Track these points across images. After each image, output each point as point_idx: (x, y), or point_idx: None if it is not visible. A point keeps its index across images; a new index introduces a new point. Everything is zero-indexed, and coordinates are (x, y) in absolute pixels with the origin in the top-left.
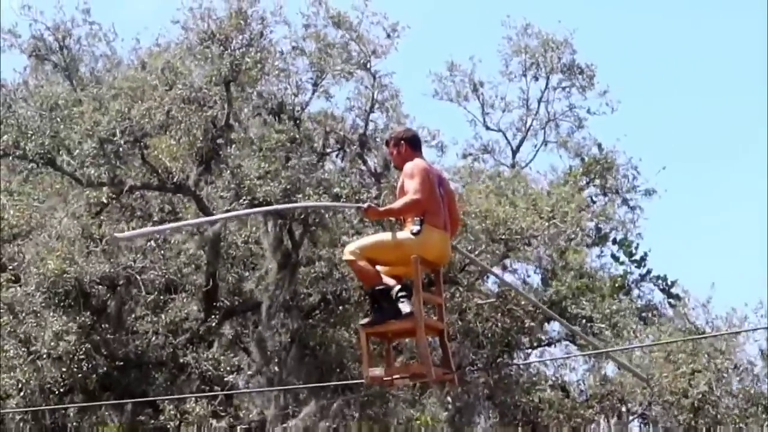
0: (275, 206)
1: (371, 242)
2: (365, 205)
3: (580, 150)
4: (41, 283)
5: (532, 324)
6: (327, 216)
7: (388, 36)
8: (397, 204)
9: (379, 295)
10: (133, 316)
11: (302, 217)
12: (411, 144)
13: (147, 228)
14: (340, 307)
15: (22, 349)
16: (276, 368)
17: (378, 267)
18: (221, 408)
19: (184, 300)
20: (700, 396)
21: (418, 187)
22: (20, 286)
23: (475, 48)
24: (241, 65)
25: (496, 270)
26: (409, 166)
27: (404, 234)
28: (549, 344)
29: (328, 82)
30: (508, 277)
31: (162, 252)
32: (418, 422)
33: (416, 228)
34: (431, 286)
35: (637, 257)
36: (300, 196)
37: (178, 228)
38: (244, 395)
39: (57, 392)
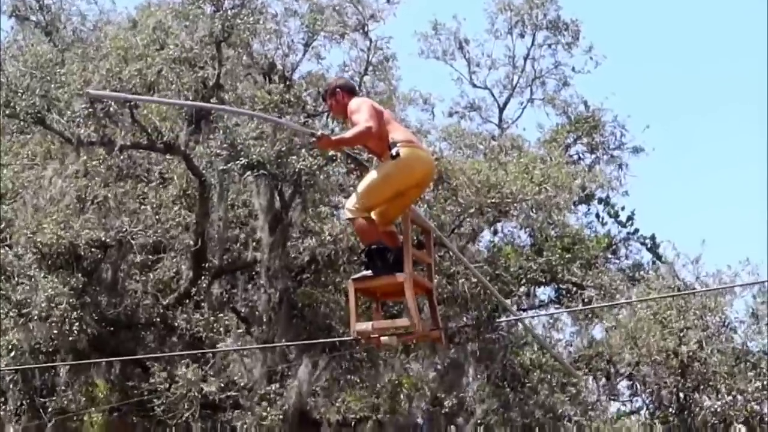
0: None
1: (363, 189)
2: (318, 133)
3: (566, 108)
4: (34, 246)
5: (520, 289)
6: (319, 177)
7: (388, 1)
8: (349, 133)
9: (375, 253)
10: (123, 275)
11: (294, 178)
12: (346, 90)
13: (122, 94)
14: (329, 271)
15: (14, 311)
16: (264, 328)
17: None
18: (211, 373)
19: (174, 260)
20: (690, 354)
21: (367, 116)
22: (10, 247)
23: (460, 7)
24: (233, 26)
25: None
26: (353, 103)
27: (386, 163)
28: (537, 307)
29: (320, 43)
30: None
31: (156, 216)
32: (405, 385)
33: (394, 150)
34: (422, 248)
35: (624, 217)
36: (293, 157)
37: (151, 101)
38: (233, 356)
39: (47, 353)
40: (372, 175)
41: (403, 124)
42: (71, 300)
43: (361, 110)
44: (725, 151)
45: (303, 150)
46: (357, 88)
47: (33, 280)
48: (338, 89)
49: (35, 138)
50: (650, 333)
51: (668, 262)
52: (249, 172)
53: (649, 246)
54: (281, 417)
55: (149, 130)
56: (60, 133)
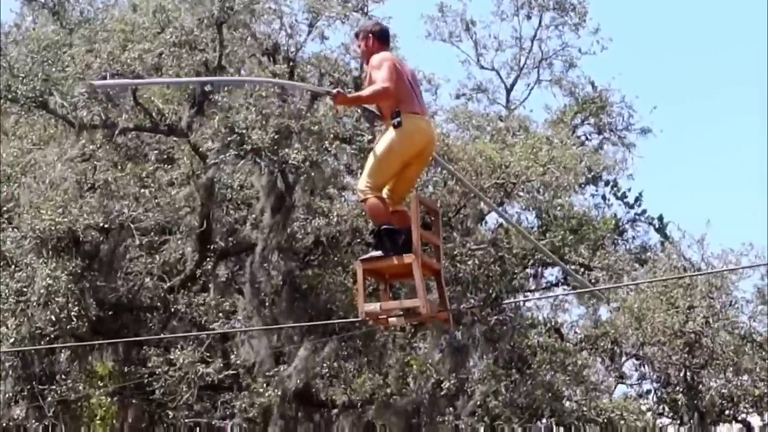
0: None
1: (370, 167)
2: (334, 91)
3: (573, 89)
4: (33, 230)
5: (526, 270)
6: (321, 160)
7: None
8: (366, 91)
9: (385, 234)
10: (127, 257)
11: (296, 161)
12: (378, 37)
13: (125, 80)
14: (334, 252)
15: (12, 297)
16: (267, 311)
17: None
18: (208, 354)
19: (179, 242)
20: (697, 330)
21: (386, 76)
22: (13, 229)
23: None
24: (233, 6)
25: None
26: (376, 58)
27: (388, 134)
28: (544, 289)
29: (323, 23)
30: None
31: (156, 199)
32: (411, 366)
33: (396, 120)
34: (429, 229)
35: (631, 198)
36: (288, 150)
37: (155, 83)
38: (237, 339)
39: (47, 338)
40: (376, 151)
41: (418, 85)
42: (70, 285)
43: (382, 68)
44: (732, 131)
45: (297, 143)
46: (390, 39)
47: (30, 267)
48: (371, 34)
49: (38, 122)
50: (655, 312)
51: (674, 241)
52: (246, 158)
53: (657, 227)
54: (279, 396)
55: (153, 113)
56: (63, 116)
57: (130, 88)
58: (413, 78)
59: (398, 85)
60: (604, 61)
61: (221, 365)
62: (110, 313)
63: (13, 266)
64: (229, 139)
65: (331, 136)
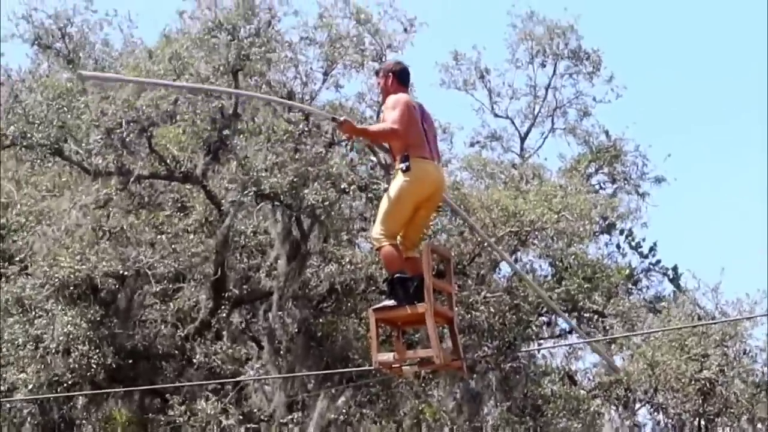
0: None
1: (382, 213)
2: (342, 119)
3: (587, 137)
4: (51, 278)
5: (541, 319)
6: (336, 207)
7: (405, 31)
8: (374, 127)
9: (398, 283)
10: (143, 306)
11: (309, 210)
12: (398, 77)
13: (114, 75)
14: (348, 300)
15: (30, 344)
16: (282, 359)
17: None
18: (230, 404)
19: (193, 289)
20: (711, 378)
21: (397, 118)
22: (28, 275)
23: (480, 39)
24: (249, 54)
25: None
26: (391, 99)
27: (397, 180)
28: (558, 337)
29: (339, 72)
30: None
31: (173, 246)
32: (425, 414)
33: (404, 165)
34: (443, 277)
35: (645, 248)
36: (306, 191)
37: (143, 83)
38: (253, 387)
39: (65, 385)
40: (386, 198)
41: (434, 130)
42: (89, 333)
43: (395, 109)
44: (746, 179)
45: (316, 183)
46: (409, 80)
47: (50, 314)
48: (391, 73)
49: (53, 168)
50: (670, 359)
51: (688, 291)
52: (263, 203)
53: (671, 277)
54: None
55: (167, 160)
56: (77, 163)
57: (145, 135)
58: (428, 122)
59: (409, 129)
60: (618, 109)
61: (240, 416)
62: (127, 360)
63: (32, 313)
64: (245, 184)
65: (347, 182)
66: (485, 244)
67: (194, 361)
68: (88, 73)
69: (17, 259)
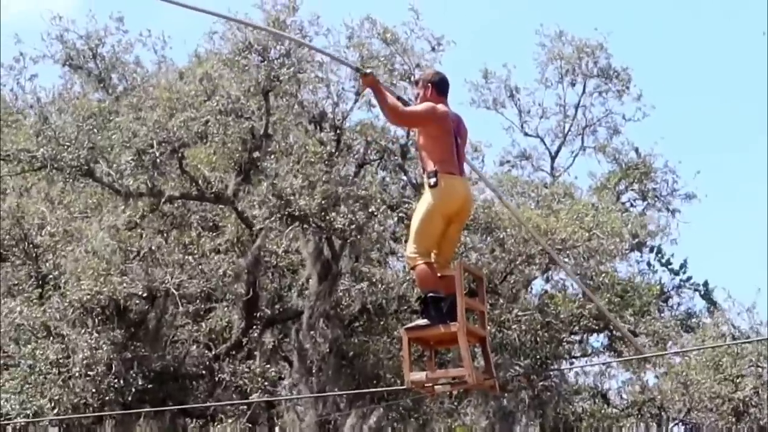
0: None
1: (414, 231)
2: (368, 70)
3: (617, 155)
4: (76, 300)
5: (572, 336)
6: (367, 228)
7: (433, 49)
8: (391, 99)
9: (431, 302)
10: (173, 326)
11: (339, 233)
12: (438, 87)
13: None
14: (380, 319)
15: (54, 369)
16: (314, 379)
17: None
18: (250, 425)
19: (225, 309)
20: (745, 399)
21: (412, 113)
22: (60, 298)
23: (509, 57)
24: (279, 75)
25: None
26: (427, 102)
27: (425, 197)
28: (589, 355)
29: (370, 92)
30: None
31: (200, 266)
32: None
33: (432, 180)
34: (474, 296)
35: (676, 265)
36: (334, 214)
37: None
38: (285, 407)
39: (92, 409)
40: (417, 216)
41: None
42: (113, 354)
43: (421, 106)
44: None
45: (344, 206)
46: (448, 90)
47: (67, 338)
48: (430, 84)
49: (85, 190)
50: (704, 379)
51: (721, 309)
52: (293, 224)
53: (702, 293)
54: None
55: (199, 181)
56: (109, 184)
57: (176, 155)
58: (462, 136)
59: (442, 143)
60: (647, 126)
61: None
62: (156, 381)
63: (61, 336)
64: (275, 205)
65: (376, 204)
66: (519, 262)
67: (223, 381)
68: None
69: (50, 277)
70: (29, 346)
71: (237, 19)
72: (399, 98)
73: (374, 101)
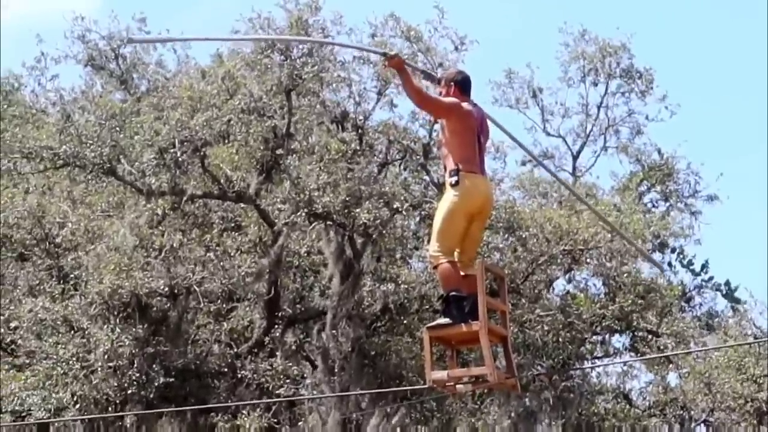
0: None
1: (436, 230)
2: (394, 53)
3: (640, 156)
4: (97, 295)
5: (595, 337)
6: (389, 226)
7: (456, 49)
8: (416, 83)
9: (453, 301)
10: (195, 325)
11: (362, 229)
12: (461, 86)
13: (163, 36)
14: (402, 319)
15: (76, 364)
16: (336, 378)
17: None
18: (275, 420)
19: (247, 309)
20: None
21: (436, 102)
22: (81, 295)
23: (532, 56)
24: (302, 74)
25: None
26: (451, 98)
27: (447, 195)
28: (611, 355)
29: (392, 91)
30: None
31: (221, 264)
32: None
33: (453, 179)
34: (496, 296)
35: (697, 266)
36: (358, 210)
37: (190, 40)
38: (307, 407)
39: (114, 404)
40: (439, 215)
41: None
42: (134, 351)
43: (444, 99)
44: None
45: (368, 202)
46: (471, 89)
47: (87, 332)
48: (453, 83)
49: (107, 188)
50: (726, 379)
51: (744, 305)
52: (315, 222)
53: (724, 292)
54: None
55: (221, 180)
56: (131, 183)
57: (199, 155)
58: (485, 134)
59: (464, 141)
60: (670, 127)
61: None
62: (178, 379)
63: (82, 331)
64: (297, 204)
65: (400, 201)
66: (540, 262)
67: (245, 379)
68: (139, 37)
69: (72, 276)
70: (51, 339)
71: (249, 38)
72: (428, 75)
73: (396, 100)
